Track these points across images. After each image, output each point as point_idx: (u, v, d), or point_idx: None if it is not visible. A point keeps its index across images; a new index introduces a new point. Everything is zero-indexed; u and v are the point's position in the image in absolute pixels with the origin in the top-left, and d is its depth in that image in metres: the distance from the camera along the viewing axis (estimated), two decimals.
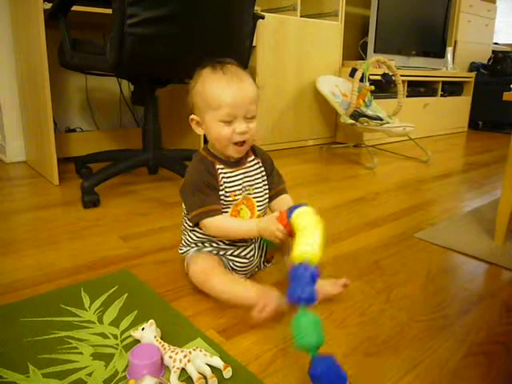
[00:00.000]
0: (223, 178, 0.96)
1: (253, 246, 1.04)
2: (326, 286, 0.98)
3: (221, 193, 0.96)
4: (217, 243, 1.01)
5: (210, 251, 1.01)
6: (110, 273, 1.08)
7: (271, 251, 1.09)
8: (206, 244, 1.02)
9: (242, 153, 0.97)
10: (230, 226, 0.96)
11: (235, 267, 1.02)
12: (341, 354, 0.80)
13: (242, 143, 0.94)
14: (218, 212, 0.95)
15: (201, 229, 0.98)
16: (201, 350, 0.75)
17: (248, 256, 1.03)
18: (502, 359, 0.81)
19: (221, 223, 0.95)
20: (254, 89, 0.94)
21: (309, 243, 0.75)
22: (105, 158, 1.95)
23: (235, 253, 1.02)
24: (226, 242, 1.01)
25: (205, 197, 0.94)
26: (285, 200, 1.06)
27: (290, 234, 0.86)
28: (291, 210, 0.86)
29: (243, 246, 1.02)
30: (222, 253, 1.02)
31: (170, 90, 2.25)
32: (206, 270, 0.95)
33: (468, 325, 0.91)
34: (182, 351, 0.74)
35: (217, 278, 0.93)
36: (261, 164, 1.04)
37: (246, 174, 1.00)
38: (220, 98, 0.90)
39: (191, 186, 0.96)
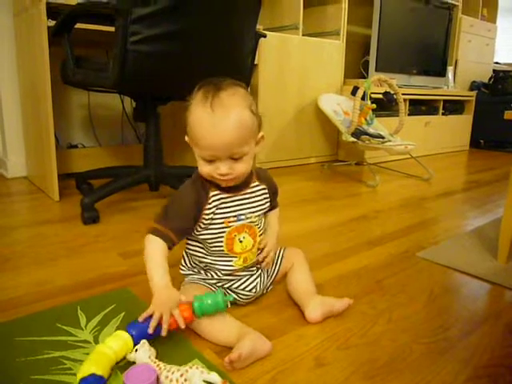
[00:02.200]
0: (214, 201, 0.91)
1: (258, 277, 1.00)
2: (334, 303, 0.98)
3: (206, 220, 0.91)
4: (217, 274, 0.96)
5: (215, 283, 0.97)
6: (108, 291, 1.07)
7: (282, 273, 1.06)
8: (208, 274, 0.98)
9: (230, 184, 0.90)
10: (149, 261, 0.87)
11: (238, 299, 0.99)
12: (342, 377, 0.78)
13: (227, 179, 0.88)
14: (166, 238, 0.88)
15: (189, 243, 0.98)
16: (197, 368, 0.73)
17: (253, 290, 0.99)
18: (507, 383, 0.79)
19: (150, 250, 0.88)
20: (245, 124, 0.84)
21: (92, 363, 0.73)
22: (106, 175, 1.95)
23: (241, 286, 0.98)
24: (228, 271, 0.96)
25: (172, 221, 0.89)
26: (271, 217, 1.06)
27: (181, 323, 0.83)
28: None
29: (247, 275, 0.99)
30: (226, 285, 0.98)
31: (172, 107, 2.26)
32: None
33: (471, 347, 0.89)
34: (178, 370, 0.73)
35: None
36: (266, 190, 0.99)
37: (246, 201, 0.95)
38: (201, 141, 0.84)
39: (172, 204, 0.92)
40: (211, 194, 0.91)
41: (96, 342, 0.85)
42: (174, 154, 2.43)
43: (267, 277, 1.04)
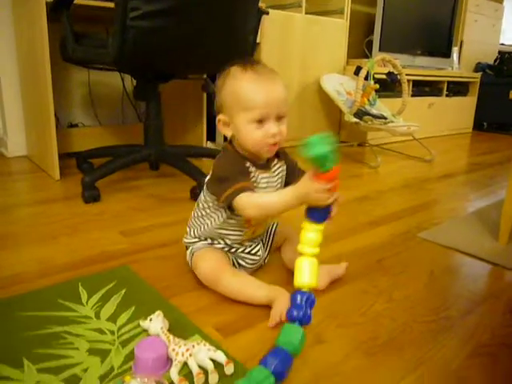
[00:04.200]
0: (251, 174, 0.93)
1: (259, 244, 1.06)
2: (333, 270, 1.03)
3: None
4: (225, 242, 1.00)
5: (222, 248, 1.01)
6: (109, 268, 1.07)
7: (275, 247, 1.11)
8: (215, 241, 1.01)
9: (273, 153, 0.95)
10: (268, 200, 0.88)
11: (245, 264, 1.03)
12: (341, 354, 0.79)
13: (275, 144, 0.91)
14: (251, 189, 0.89)
15: (234, 211, 0.92)
16: (205, 345, 0.74)
17: (258, 253, 1.04)
18: (506, 361, 0.79)
19: (257, 198, 0.88)
20: (284, 89, 0.92)
21: (308, 275, 0.77)
22: (106, 153, 1.94)
23: (246, 250, 1.02)
24: (237, 241, 1.01)
25: (240, 175, 0.90)
26: None
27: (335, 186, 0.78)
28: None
29: (253, 243, 1.04)
30: (232, 250, 1.01)
31: (173, 86, 2.23)
32: (216, 269, 0.94)
33: (471, 326, 0.90)
34: (185, 344, 0.74)
35: (228, 277, 0.93)
36: (284, 168, 1.02)
37: (270, 179, 0.97)
38: (254, 99, 0.87)
39: (227, 167, 0.92)
40: (249, 168, 0.93)
41: (97, 317, 0.85)
42: (175, 134, 2.41)
43: (263, 246, 1.08)
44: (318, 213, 0.79)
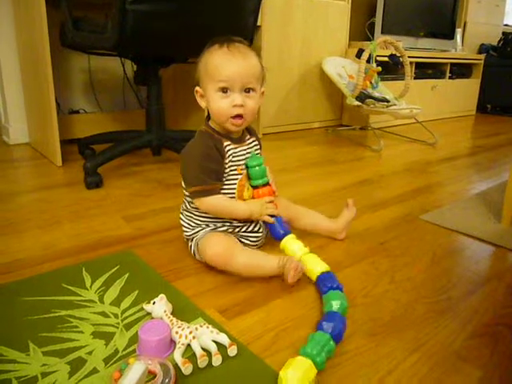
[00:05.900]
0: (229, 152, 0.99)
1: (258, 222, 1.07)
2: (342, 219, 1.17)
3: (226, 169, 0.99)
4: (230, 222, 1.02)
5: (225, 230, 1.02)
6: (111, 253, 1.08)
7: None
8: (218, 224, 1.02)
9: (239, 126, 0.98)
10: (224, 206, 0.99)
11: (249, 242, 1.05)
12: (344, 335, 0.79)
13: (240, 117, 0.96)
14: (217, 191, 0.98)
15: (193, 203, 1.00)
16: (208, 327, 0.74)
17: (260, 230, 1.07)
18: (507, 341, 0.80)
19: (216, 202, 0.98)
20: (256, 66, 0.97)
21: (320, 263, 0.96)
22: (108, 139, 1.93)
23: (249, 229, 1.05)
24: (241, 220, 1.03)
25: (209, 173, 0.96)
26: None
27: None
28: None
29: (252, 223, 1.06)
30: (236, 230, 1.04)
31: (174, 71, 2.23)
32: (226, 250, 0.95)
33: (473, 306, 0.90)
34: (188, 327, 0.74)
35: (239, 255, 0.95)
36: (257, 142, 1.09)
37: (248, 151, 1.04)
38: (218, 68, 0.93)
39: (197, 160, 0.97)
40: (225, 144, 0.99)
41: (101, 301, 0.86)
42: (177, 119, 2.40)
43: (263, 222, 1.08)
44: (274, 229, 1.02)
